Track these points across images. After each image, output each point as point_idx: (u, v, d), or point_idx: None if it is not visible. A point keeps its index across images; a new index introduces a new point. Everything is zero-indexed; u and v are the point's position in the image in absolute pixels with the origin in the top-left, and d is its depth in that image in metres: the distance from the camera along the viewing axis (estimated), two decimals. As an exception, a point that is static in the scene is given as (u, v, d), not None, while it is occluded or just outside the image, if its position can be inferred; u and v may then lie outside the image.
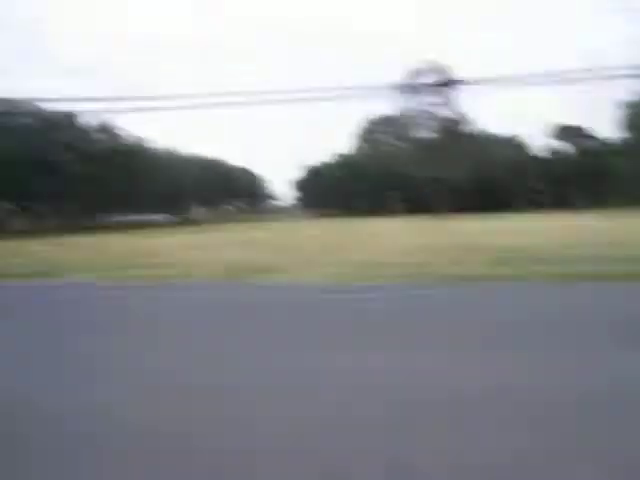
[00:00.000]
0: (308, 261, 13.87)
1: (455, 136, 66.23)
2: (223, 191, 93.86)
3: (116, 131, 69.71)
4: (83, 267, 14.65)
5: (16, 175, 52.96)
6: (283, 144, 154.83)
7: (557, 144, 78.42)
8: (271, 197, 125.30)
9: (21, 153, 52.21)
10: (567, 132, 76.66)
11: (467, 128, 70.30)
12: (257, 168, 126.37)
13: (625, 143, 61.83)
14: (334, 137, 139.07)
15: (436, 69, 61.74)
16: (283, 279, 10.74)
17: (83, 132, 64.69)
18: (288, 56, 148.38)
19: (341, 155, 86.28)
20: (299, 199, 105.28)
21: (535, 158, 77.92)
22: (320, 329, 6.30)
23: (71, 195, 62.54)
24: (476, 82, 17.02)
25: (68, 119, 56.16)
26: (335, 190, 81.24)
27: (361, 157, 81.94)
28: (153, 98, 17.70)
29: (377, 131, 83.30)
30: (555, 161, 76.60)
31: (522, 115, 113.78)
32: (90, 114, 55.60)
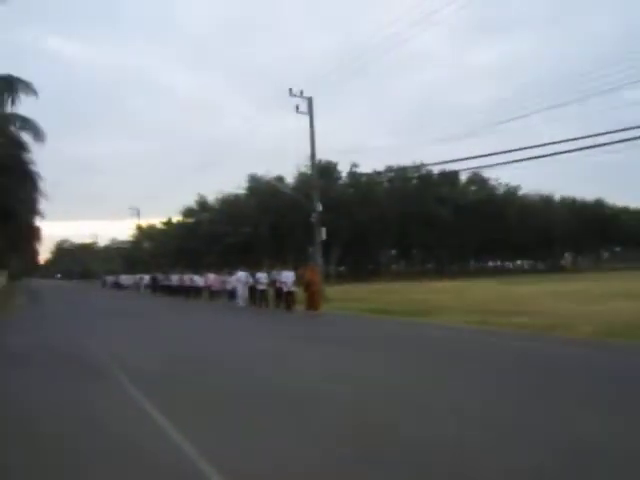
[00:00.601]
0: None
1: None
2: (601, 236, 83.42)
3: (487, 182, 72.88)
4: (448, 310, 15.58)
5: (400, 227, 61.92)
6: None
7: None
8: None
9: (405, 209, 61.01)
10: None
11: None
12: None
13: None
14: None
15: None
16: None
17: (456, 187, 70.56)
18: None
19: None
20: None
21: None
22: None
23: (443, 242, 68.44)
24: None
25: (445, 177, 62.34)
26: None
27: None
28: (523, 148, 17.58)
29: None
30: None
31: None
32: (467, 171, 60.38)
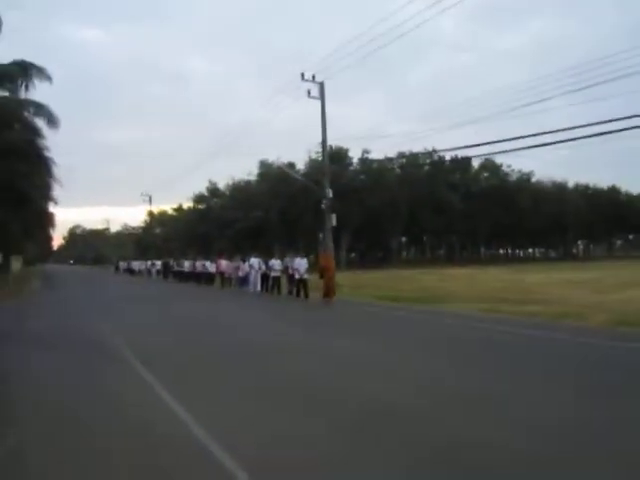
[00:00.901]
0: None
1: None
2: (615, 223, 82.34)
3: (500, 169, 72.07)
4: (458, 297, 15.57)
5: (410, 213, 61.63)
6: None
7: None
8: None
9: (415, 196, 60.60)
10: None
11: None
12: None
13: None
14: None
15: None
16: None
17: (469, 173, 69.89)
18: None
19: None
20: None
21: None
22: None
23: (454, 229, 68.05)
24: None
25: (457, 163, 61.80)
26: None
27: None
28: (535, 134, 17.27)
29: None
30: None
31: None
32: (478, 157, 59.91)
